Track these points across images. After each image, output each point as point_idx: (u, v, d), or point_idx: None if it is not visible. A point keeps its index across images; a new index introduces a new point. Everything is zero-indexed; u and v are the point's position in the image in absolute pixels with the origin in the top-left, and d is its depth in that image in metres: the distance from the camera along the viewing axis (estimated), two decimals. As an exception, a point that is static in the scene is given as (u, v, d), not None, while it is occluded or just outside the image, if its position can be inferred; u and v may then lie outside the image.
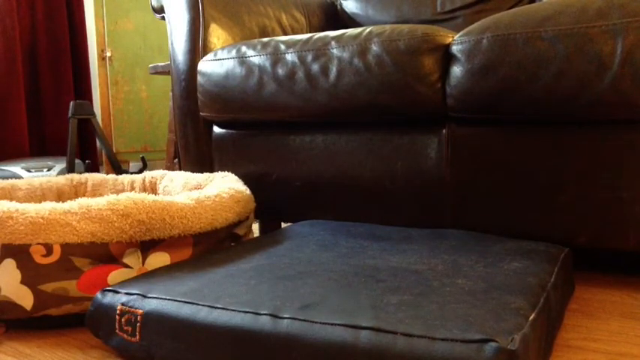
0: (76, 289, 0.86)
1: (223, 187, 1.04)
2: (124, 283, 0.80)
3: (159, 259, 0.92)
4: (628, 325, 0.79)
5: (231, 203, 1.01)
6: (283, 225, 1.43)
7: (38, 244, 0.85)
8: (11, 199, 1.19)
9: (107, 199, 0.89)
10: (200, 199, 0.96)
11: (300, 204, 1.25)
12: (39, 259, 0.85)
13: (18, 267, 0.85)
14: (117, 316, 0.74)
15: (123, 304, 0.74)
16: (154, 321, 0.71)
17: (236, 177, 1.17)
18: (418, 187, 1.09)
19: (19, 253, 0.85)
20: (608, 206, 0.92)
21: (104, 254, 0.87)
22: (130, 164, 2.66)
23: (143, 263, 0.91)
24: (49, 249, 0.85)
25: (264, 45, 1.21)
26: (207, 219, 0.95)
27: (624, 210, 0.91)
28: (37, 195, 1.22)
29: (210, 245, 0.98)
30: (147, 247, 0.91)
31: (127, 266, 0.89)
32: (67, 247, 0.85)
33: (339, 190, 1.19)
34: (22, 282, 0.85)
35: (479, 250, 0.87)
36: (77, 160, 2.38)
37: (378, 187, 1.14)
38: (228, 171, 1.30)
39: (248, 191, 1.09)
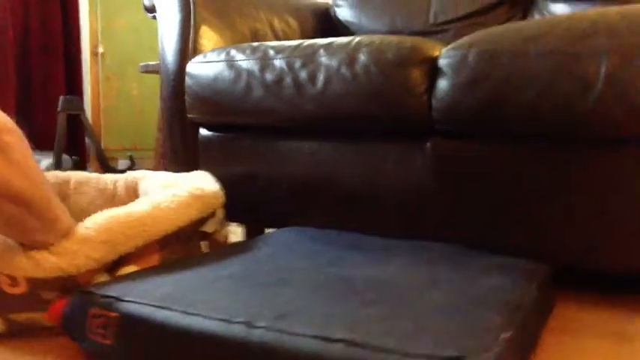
0: (45, 320, 0.84)
1: (185, 186, 1.02)
2: (100, 284, 0.80)
3: (127, 272, 0.90)
4: (604, 344, 0.79)
5: (190, 201, 0.98)
6: (267, 231, 1.43)
7: (4, 274, 0.83)
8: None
9: (65, 231, 0.86)
10: (156, 203, 0.94)
11: (284, 210, 1.24)
12: (7, 289, 0.83)
13: None
14: (91, 318, 0.73)
15: (98, 307, 0.73)
16: (128, 325, 0.70)
17: (207, 174, 1.15)
18: (403, 197, 1.09)
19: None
20: (594, 225, 0.92)
21: (72, 285, 0.84)
22: (119, 162, 2.65)
23: None
24: (14, 281, 0.83)
25: (254, 50, 1.21)
26: (167, 221, 0.93)
27: (612, 231, 0.91)
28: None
29: (178, 246, 0.96)
30: (112, 266, 0.89)
31: None
32: (32, 281, 0.83)
33: (323, 197, 1.19)
34: None
35: (459, 265, 0.87)
36: (65, 156, 2.36)
37: (363, 196, 1.14)
38: (213, 174, 1.29)
39: (214, 188, 1.06)
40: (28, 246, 0.84)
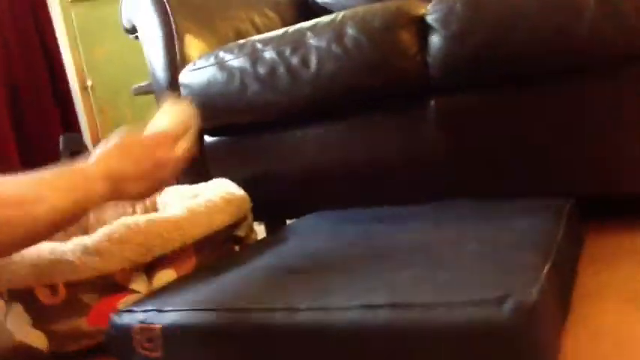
0: (87, 324, 0.85)
1: (215, 192, 1.04)
2: (138, 302, 0.80)
3: (165, 276, 0.92)
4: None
5: (223, 206, 1.00)
6: (288, 222, 1.43)
7: (43, 285, 0.84)
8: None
9: (102, 231, 0.88)
10: (192, 208, 0.96)
11: (301, 199, 1.24)
12: (45, 300, 0.84)
13: (26, 310, 0.85)
14: (136, 335, 0.74)
15: (140, 322, 0.74)
16: (173, 333, 0.71)
17: (229, 181, 1.16)
18: (414, 163, 1.08)
19: (24, 296, 0.84)
20: (605, 153, 0.92)
21: (110, 285, 0.87)
22: (129, 189, 2.66)
23: (151, 284, 0.90)
24: (54, 289, 0.84)
25: (241, 47, 1.21)
26: (202, 225, 0.95)
27: (622, 154, 0.91)
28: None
29: (212, 250, 0.98)
30: (151, 267, 0.91)
31: (134, 292, 0.89)
32: (72, 285, 0.84)
33: (337, 179, 1.19)
34: (34, 325, 0.85)
35: (483, 215, 0.87)
36: (76, 193, 2.37)
37: (375, 170, 1.14)
38: (224, 177, 1.29)
39: (241, 192, 1.09)
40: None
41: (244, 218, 1.08)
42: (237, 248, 1.06)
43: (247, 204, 1.09)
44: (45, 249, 0.85)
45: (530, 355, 0.51)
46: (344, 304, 0.60)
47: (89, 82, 2.59)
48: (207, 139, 1.35)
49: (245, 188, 1.14)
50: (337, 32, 1.06)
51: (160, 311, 0.74)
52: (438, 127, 1.04)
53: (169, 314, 0.72)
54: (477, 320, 0.51)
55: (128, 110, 2.67)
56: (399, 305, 0.57)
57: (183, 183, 1.39)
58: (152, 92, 1.67)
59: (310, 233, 0.99)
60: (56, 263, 0.84)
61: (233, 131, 1.30)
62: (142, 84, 1.93)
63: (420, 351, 0.55)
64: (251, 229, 1.12)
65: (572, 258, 0.77)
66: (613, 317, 0.65)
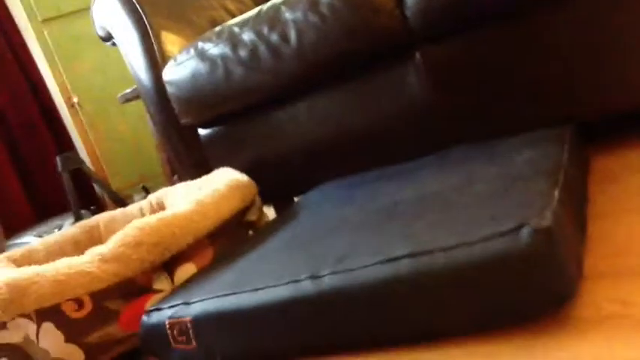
0: (119, 330, 0.87)
1: (219, 181, 1.05)
2: (164, 299, 0.81)
3: (185, 271, 0.93)
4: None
5: (230, 193, 1.01)
6: (295, 199, 1.44)
7: (68, 300, 0.85)
8: (32, 264, 1.19)
9: (116, 238, 0.89)
10: (200, 200, 0.96)
11: (304, 174, 1.25)
12: (73, 315, 0.86)
13: (57, 327, 0.86)
14: (168, 331, 0.75)
15: (170, 318, 0.75)
16: (204, 323, 0.72)
17: (230, 169, 1.17)
18: (409, 118, 1.08)
19: (53, 314, 0.85)
20: (597, 72, 0.92)
21: (134, 289, 0.88)
22: (134, 198, 2.67)
23: (173, 282, 0.92)
24: (79, 302, 0.85)
25: (219, 34, 1.20)
26: (212, 215, 0.96)
27: (615, 72, 0.91)
28: (56, 251, 1.23)
29: (227, 238, 0.98)
30: (170, 265, 0.92)
31: (158, 291, 0.90)
32: (96, 295, 0.86)
33: (337, 148, 1.19)
34: (67, 340, 0.86)
35: (486, 155, 0.87)
36: (83, 211, 2.38)
37: (373, 132, 1.14)
38: (225, 167, 1.30)
39: (245, 178, 1.09)
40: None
41: (253, 202, 1.09)
42: (250, 232, 1.07)
43: (253, 188, 1.10)
44: (63, 265, 0.86)
45: (555, 278, 0.51)
46: (365, 263, 0.61)
47: (75, 99, 2.58)
48: (202, 131, 1.35)
49: (247, 174, 1.14)
50: (311, 1, 1.05)
51: (187, 304, 0.75)
52: (427, 78, 1.03)
53: (197, 305, 0.73)
54: (498, 253, 0.52)
55: (120, 120, 2.67)
56: (419, 253, 0.57)
57: (185, 180, 1.39)
58: (139, 97, 1.67)
59: (319, 205, 1.00)
60: (77, 276, 0.85)
61: (225, 120, 1.30)
62: (128, 90, 1.92)
63: (446, 295, 0.56)
64: (261, 212, 1.12)
65: (580, 180, 0.78)
66: (629, 232, 0.66)
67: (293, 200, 1.46)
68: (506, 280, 0.53)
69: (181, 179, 1.44)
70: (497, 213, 0.59)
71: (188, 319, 0.73)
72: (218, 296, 0.72)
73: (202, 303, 0.73)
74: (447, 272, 0.55)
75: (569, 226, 0.58)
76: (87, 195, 2.76)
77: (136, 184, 2.63)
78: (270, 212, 1.55)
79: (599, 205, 0.75)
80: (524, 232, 0.51)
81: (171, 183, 2.21)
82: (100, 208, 2.70)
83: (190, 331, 0.73)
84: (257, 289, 0.68)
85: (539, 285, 0.51)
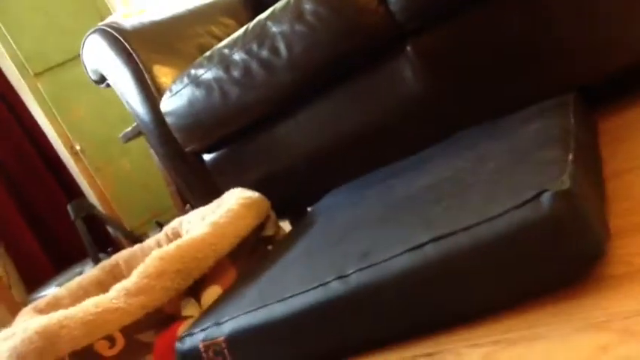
0: None
1: (232, 201, 1.05)
2: (195, 323, 0.81)
3: (212, 293, 0.93)
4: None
5: (244, 211, 1.02)
6: (308, 209, 1.44)
7: (99, 339, 0.85)
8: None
9: (137, 271, 0.89)
10: (215, 222, 0.97)
11: (313, 183, 1.25)
12: (107, 353, 0.85)
13: None
14: (204, 354, 0.75)
15: (203, 340, 0.75)
16: (237, 340, 0.72)
17: (240, 188, 1.17)
18: (409, 112, 1.09)
19: (86, 355, 0.85)
20: (592, 31, 0.91)
21: (163, 318, 0.88)
22: (150, 234, 2.68)
23: (201, 306, 0.92)
24: (111, 340, 0.85)
25: (209, 58, 1.21)
26: (230, 235, 0.96)
27: (610, 28, 0.90)
28: (81, 295, 1.23)
29: (247, 256, 0.99)
30: (195, 290, 0.92)
31: (188, 317, 0.90)
32: (127, 330, 0.86)
33: (341, 151, 1.19)
34: None
35: (492, 135, 0.87)
36: (101, 254, 2.39)
37: (375, 131, 1.14)
38: (234, 187, 1.30)
39: (257, 194, 1.10)
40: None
41: (268, 217, 1.09)
42: (269, 247, 1.07)
43: (266, 203, 1.10)
44: (89, 304, 0.87)
45: (582, 239, 0.51)
46: (390, 254, 0.61)
47: (78, 147, 2.60)
48: (207, 157, 1.36)
49: (258, 190, 1.15)
50: (296, 12, 1.06)
51: (218, 324, 0.74)
52: (422, 69, 1.04)
53: (228, 324, 0.73)
54: (522, 223, 0.52)
55: (124, 160, 2.69)
56: (442, 237, 0.57)
57: (197, 207, 1.40)
58: (140, 134, 1.68)
59: (333, 210, 1.00)
60: (105, 314, 0.85)
61: (228, 142, 1.31)
62: (128, 129, 1.94)
63: (475, 274, 0.56)
64: (277, 226, 1.13)
65: (591, 144, 0.77)
66: (648, 185, 0.66)
67: (306, 210, 1.47)
68: (534, 249, 0.52)
69: (194, 208, 1.45)
70: (514, 185, 0.59)
71: (222, 338, 0.73)
72: (248, 312, 0.72)
73: (233, 321, 0.73)
74: (472, 251, 0.55)
75: (588, 187, 0.58)
76: (102, 239, 2.77)
77: (149, 221, 2.65)
78: (286, 226, 1.55)
79: (613, 166, 0.75)
80: (545, 197, 0.51)
81: (184, 213, 2.21)
82: (117, 249, 2.71)
83: (225, 351, 0.73)
84: (286, 299, 0.68)
85: (568, 249, 0.51)
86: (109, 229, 2.65)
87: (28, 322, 0.91)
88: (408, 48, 1.04)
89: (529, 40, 0.95)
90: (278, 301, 0.69)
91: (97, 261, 2.31)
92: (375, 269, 0.61)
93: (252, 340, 0.70)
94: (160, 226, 2.36)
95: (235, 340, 0.72)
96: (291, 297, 0.68)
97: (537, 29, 0.94)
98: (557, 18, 0.92)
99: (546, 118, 0.79)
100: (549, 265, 0.52)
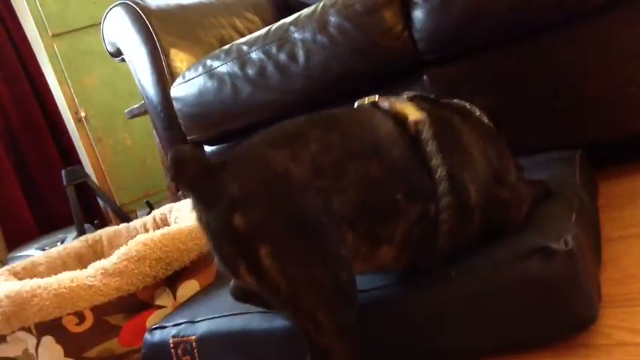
0: (119, 345, 0.86)
1: None
2: (168, 317, 0.81)
3: (188, 288, 0.92)
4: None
5: None
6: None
7: (69, 314, 0.85)
8: (34, 277, 1.19)
9: (119, 252, 0.89)
10: None
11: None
12: (74, 329, 0.85)
13: (57, 342, 0.85)
14: (172, 350, 0.74)
15: (174, 336, 0.74)
16: (209, 342, 0.71)
17: None
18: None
19: (53, 328, 0.85)
20: (603, 97, 0.92)
21: (135, 304, 0.87)
22: (138, 213, 2.66)
23: (175, 298, 0.91)
24: (81, 316, 0.85)
25: (227, 52, 1.21)
26: None
27: (621, 96, 0.91)
28: (58, 265, 1.22)
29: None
30: (173, 281, 0.91)
31: (160, 307, 0.89)
32: (97, 309, 0.85)
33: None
34: (66, 355, 0.85)
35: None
36: (86, 225, 2.38)
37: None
38: (232, 184, 1.30)
39: None
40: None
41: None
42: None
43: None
44: (65, 278, 0.86)
45: (577, 301, 0.51)
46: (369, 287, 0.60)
47: (83, 114, 2.59)
48: (208, 148, 1.35)
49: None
50: (320, 22, 1.06)
51: (192, 322, 0.74)
52: (435, 100, 1.03)
53: (202, 324, 0.73)
54: (521, 277, 0.52)
55: (126, 135, 2.68)
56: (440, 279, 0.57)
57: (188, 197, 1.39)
58: (146, 113, 1.68)
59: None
60: (79, 290, 0.84)
61: (232, 137, 1.30)
62: (135, 106, 1.93)
63: (467, 319, 0.56)
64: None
65: (592, 204, 0.77)
66: (639, 257, 0.65)
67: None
68: (529, 304, 0.52)
69: (186, 195, 1.44)
70: (518, 240, 0.58)
71: (193, 338, 0.73)
72: (225, 315, 0.71)
73: (208, 322, 0.72)
74: (466, 297, 0.55)
75: (588, 248, 0.58)
76: (91, 209, 2.75)
77: (140, 199, 2.63)
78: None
79: (609, 229, 0.75)
80: (548, 254, 0.51)
81: (176, 199, 2.20)
82: (104, 222, 2.69)
83: (195, 351, 0.72)
84: (268, 312, 0.67)
85: (562, 308, 0.51)
86: (99, 201, 2.63)
87: (1, 285, 0.91)
88: (425, 77, 1.04)
89: (549, 89, 0.95)
90: (259, 312, 0.67)
91: (81, 230, 2.29)
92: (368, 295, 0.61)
93: (223, 345, 0.70)
94: (150, 206, 2.35)
95: (207, 341, 0.71)
96: (274, 312, 0.66)
97: (559, 80, 0.94)
98: (582, 72, 0.92)
99: (553, 172, 0.79)
100: (541, 323, 0.52)
